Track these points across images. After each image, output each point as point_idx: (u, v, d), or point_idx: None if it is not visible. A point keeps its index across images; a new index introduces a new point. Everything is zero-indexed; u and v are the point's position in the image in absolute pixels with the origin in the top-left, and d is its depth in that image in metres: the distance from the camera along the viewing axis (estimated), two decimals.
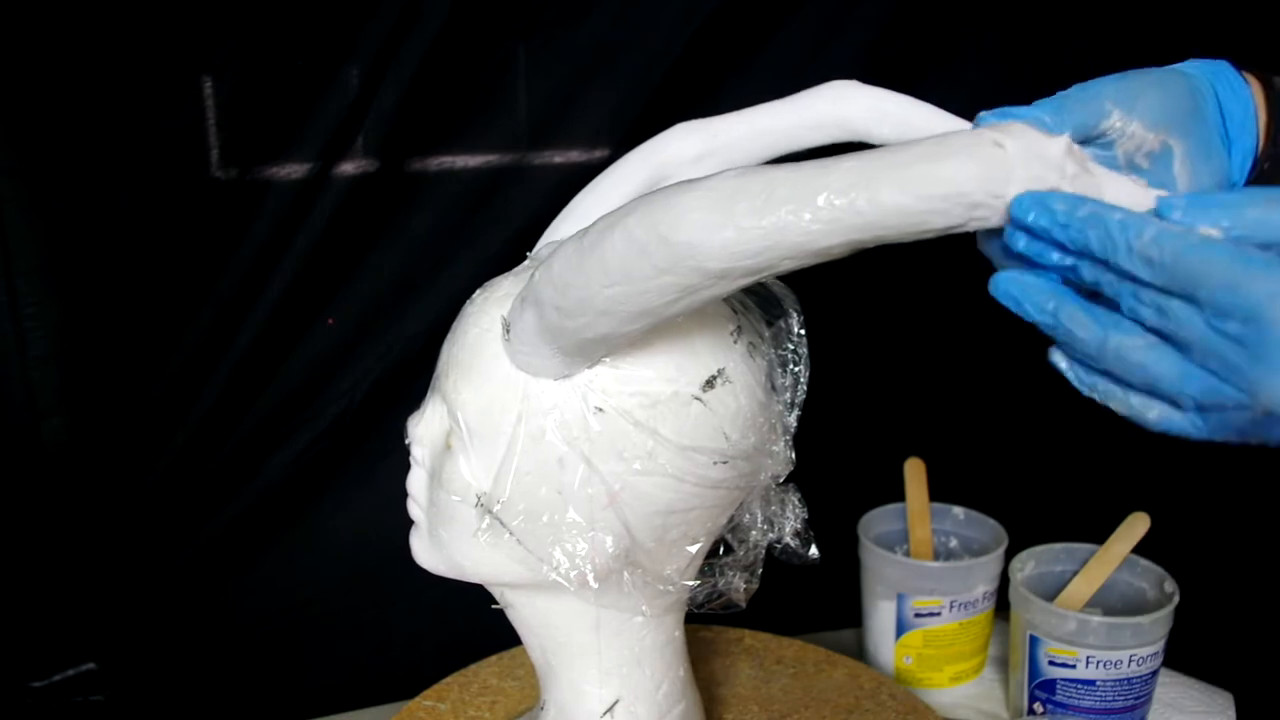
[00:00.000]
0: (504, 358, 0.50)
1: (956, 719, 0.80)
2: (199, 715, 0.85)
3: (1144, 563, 0.77)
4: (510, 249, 0.81)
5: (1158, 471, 0.86)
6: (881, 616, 0.82)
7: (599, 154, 0.82)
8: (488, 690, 0.74)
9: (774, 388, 0.55)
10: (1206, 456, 0.85)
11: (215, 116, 0.76)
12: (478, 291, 0.54)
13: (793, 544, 0.57)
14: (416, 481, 0.56)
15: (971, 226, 0.39)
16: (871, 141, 0.56)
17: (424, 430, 0.55)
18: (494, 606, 0.58)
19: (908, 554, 0.85)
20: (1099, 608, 0.77)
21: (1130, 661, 0.72)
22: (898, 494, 0.86)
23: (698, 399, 0.51)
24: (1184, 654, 0.77)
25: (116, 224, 0.76)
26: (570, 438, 0.50)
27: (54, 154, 0.73)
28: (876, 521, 0.86)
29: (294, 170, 0.76)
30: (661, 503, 0.51)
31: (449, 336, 0.54)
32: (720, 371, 0.51)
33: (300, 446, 0.82)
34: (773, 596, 0.59)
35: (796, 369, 0.56)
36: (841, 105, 0.56)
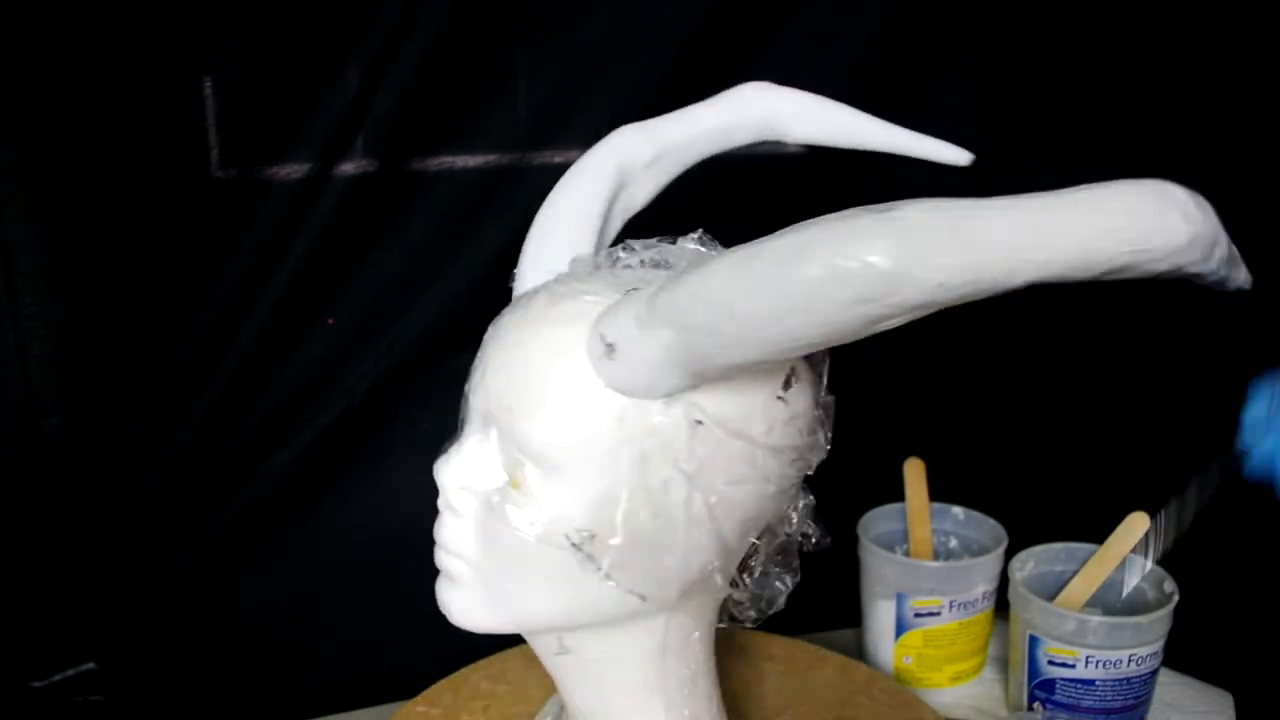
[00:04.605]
0: (590, 381, 0.47)
1: (956, 719, 0.80)
2: (199, 715, 0.85)
3: None
4: (511, 249, 0.80)
5: (1158, 471, 0.86)
6: (881, 616, 0.82)
7: None
8: (479, 695, 0.74)
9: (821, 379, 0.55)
10: (1206, 456, 0.85)
11: (215, 116, 0.76)
12: (511, 317, 0.51)
13: (809, 531, 0.57)
14: (457, 534, 0.51)
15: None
16: (789, 140, 0.60)
17: (469, 475, 0.50)
18: (556, 654, 0.54)
19: (907, 554, 0.85)
20: (1098, 607, 0.77)
21: (1130, 661, 0.72)
22: (898, 494, 0.86)
23: (780, 399, 0.50)
24: (1184, 654, 0.77)
25: (117, 224, 0.76)
26: (673, 457, 0.48)
27: (54, 154, 0.73)
28: (876, 521, 0.86)
29: (294, 170, 0.76)
30: (750, 510, 0.51)
31: (493, 369, 0.50)
32: (794, 369, 0.51)
33: (300, 446, 0.82)
34: None
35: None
36: (765, 106, 0.58)
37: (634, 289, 0.48)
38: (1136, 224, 0.39)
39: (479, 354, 0.52)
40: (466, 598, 0.52)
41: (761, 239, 0.42)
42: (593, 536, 0.48)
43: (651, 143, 0.59)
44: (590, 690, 0.56)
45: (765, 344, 0.42)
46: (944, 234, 0.39)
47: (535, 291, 0.53)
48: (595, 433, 0.48)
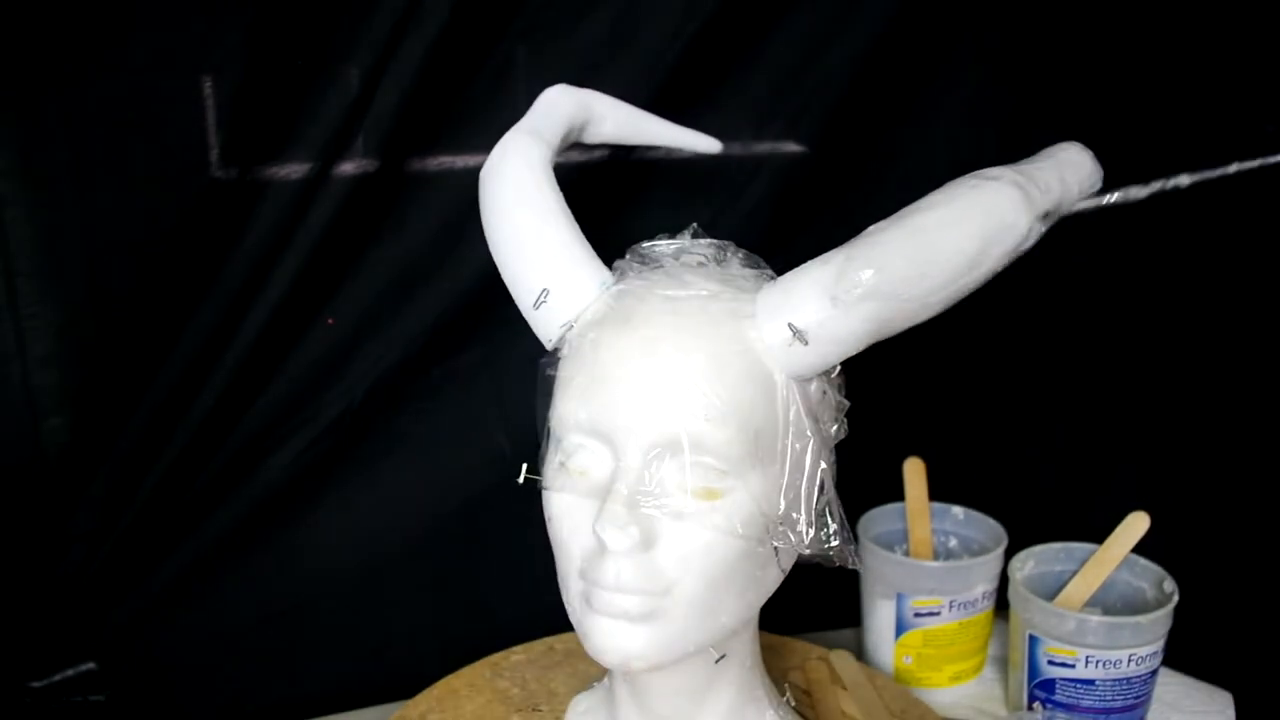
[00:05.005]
0: (766, 372, 0.48)
1: (956, 718, 0.80)
2: (199, 715, 0.85)
3: (1143, 562, 0.77)
4: None
5: (1158, 471, 0.86)
6: (881, 616, 0.82)
7: (598, 154, 0.82)
8: (482, 691, 0.74)
9: None
10: (1206, 456, 0.85)
11: (215, 116, 0.76)
12: (642, 331, 0.49)
13: None
14: (646, 570, 0.48)
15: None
16: (594, 140, 0.63)
17: (657, 504, 0.48)
18: (717, 662, 0.53)
19: (907, 554, 0.85)
20: (1098, 607, 0.77)
21: (1129, 661, 0.72)
22: (897, 494, 0.86)
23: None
24: (1184, 654, 0.78)
25: (116, 224, 0.76)
26: (818, 426, 0.51)
27: (54, 154, 0.73)
28: (876, 521, 0.86)
29: (294, 170, 0.76)
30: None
31: (648, 389, 0.48)
32: None
33: (300, 447, 0.82)
34: (772, 596, 0.59)
35: None
36: (590, 107, 0.62)
37: (767, 275, 0.52)
38: (1092, 171, 0.53)
39: (592, 381, 0.49)
40: (659, 633, 0.48)
41: (905, 211, 0.48)
42: (784, 522, 0.49)
43: (548, 147, 0.60)
44: (733, 680, 0.55)
45: (940, 302, 0.48)
46: (1037, 191, 0.48)
47: (634, 298, 0.51)
48: (782, 421, 0.49)
